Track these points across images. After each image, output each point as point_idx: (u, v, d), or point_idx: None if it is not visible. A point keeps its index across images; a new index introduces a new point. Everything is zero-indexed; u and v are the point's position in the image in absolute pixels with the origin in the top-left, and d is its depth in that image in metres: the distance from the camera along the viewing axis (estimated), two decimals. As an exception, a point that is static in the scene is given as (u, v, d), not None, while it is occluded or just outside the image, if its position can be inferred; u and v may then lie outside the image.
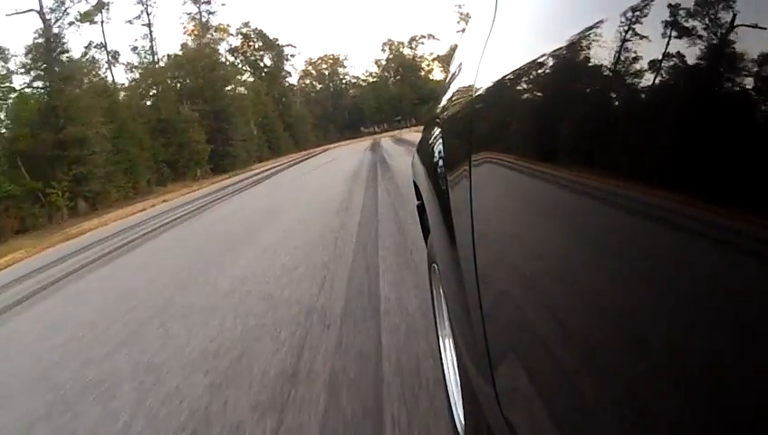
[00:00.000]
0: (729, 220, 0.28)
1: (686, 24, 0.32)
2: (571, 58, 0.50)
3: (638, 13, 0.38)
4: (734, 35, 0.28)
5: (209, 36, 44.76)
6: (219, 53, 49.10)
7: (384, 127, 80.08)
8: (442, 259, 1.19)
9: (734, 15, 0.28)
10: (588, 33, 0.46)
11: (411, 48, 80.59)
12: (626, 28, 0.39)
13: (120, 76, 75.73)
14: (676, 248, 0.33)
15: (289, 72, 77.13)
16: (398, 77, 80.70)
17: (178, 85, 40.20)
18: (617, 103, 0.42)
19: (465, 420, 1.23)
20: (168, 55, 42.51)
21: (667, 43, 0.34)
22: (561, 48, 0.52)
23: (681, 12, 0.33)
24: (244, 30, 67.31)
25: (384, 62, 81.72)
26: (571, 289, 0.50)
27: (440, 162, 1.17)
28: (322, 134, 74.72)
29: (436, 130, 1.31)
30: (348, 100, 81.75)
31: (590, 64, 0.46)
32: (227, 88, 43.90)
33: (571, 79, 0.51)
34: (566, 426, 0.54)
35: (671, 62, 0.34)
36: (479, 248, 0.79)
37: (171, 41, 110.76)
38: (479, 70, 0.87)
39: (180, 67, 40.45)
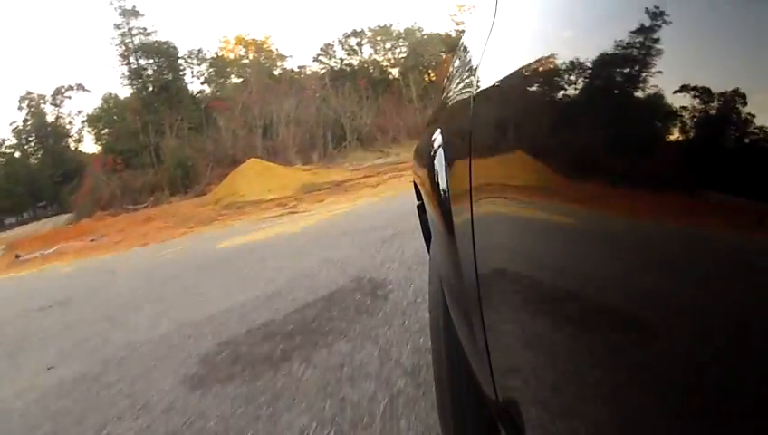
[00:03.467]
0: (744, 226, 0.27)
1: (689, 23, 0.31)
2: (572, 58, 0.50)
3: (639, 11, 0.37)
4: (737, 35, 0.27)
5: None
6: None
7: (23, 217, 55.01)
8: (442, 257, 1.22)
9: (737, 14, 0.27)
10: (589, 32, 0.47)
11: (56, 104, 57.12)
12: (627, 27, 0.39)
13: None
14: (679, 249, 0.32)
15: None
16: (39, 148, 56.51)
17: None
18: (618, 103, 0.42)
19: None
20: None
21: (670, 43, 0.33)
22: (561, 48, 0.53)
23: (683, 11, 0.32)
24: None
25: (21, 126, 57.22)
26: (571, 287, 0.51)
27: (440, 161, 1.17)
28: None
29: (436, 130, 1.32)
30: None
31: (590, 64, 0.46)
32: None
33: (571, 79, 0.51)
34: (563, 417, 0.56)
35: (674, 62, 0.32)
36: (479, 247, 0.80)
37: None
38: (479, 69, 0.87)
39: None
